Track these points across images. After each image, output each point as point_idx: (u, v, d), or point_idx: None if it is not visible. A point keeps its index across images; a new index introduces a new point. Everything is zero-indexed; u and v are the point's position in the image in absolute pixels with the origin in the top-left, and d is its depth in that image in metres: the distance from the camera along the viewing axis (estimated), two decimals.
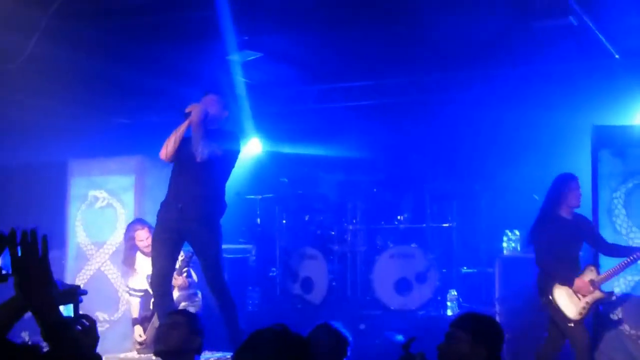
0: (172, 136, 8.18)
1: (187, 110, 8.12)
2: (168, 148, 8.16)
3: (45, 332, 2.85)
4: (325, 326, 6.27)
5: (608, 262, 8.29)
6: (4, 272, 3.00)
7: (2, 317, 3.24)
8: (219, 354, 8.23)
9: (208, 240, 8.16)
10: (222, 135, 8.22)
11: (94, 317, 3.44)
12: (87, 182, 11.04)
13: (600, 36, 9.91)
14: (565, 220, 8.26)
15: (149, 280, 8.72)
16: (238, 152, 8.40)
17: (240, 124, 12.00)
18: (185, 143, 8.14)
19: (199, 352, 5.58)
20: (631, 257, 7.99)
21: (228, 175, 8.37)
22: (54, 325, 2.86)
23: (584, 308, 7.93)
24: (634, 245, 8.65)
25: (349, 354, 6.18)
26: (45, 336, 2.84)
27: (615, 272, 8.12)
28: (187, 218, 8.08)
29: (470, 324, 4.79)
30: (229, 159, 8.26)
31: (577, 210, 8.31)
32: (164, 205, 8.28)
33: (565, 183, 8.23)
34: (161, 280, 8.20)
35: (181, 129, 8.16)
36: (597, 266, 8.25)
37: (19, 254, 2.90)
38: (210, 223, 8.19)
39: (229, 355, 8.02)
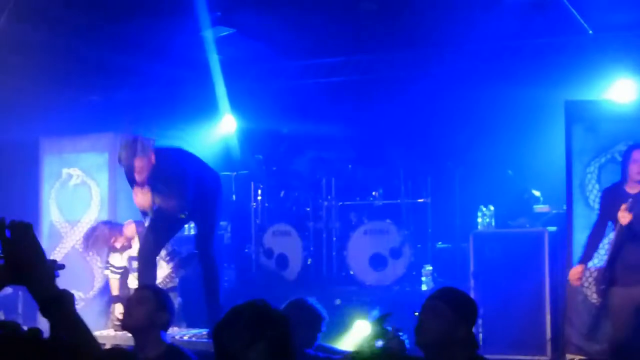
0: None
1: None
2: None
3: (44, 308, 2.85)
4: (299, 302, 6.28)
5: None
6: None
7: None
8: (194, 331, 8.23)
9: (206, 210, 8.23)
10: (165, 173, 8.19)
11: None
12: (60, 160, 11.00)
13: (574, 11, 9.93)
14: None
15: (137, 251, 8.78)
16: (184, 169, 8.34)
17: (215, 101, 11.99)
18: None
19: (166, 328, 5.55)
20: None
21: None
22: (53, 300, 2.86)
23: None
24: None
25: (323, 329, 6.20)
26: (44, 312, 2.84)
27: None
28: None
29: (452, 298, 4.80)
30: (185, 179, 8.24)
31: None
32: None
33: (627, 155, 7.87)
34: (153, 252, 8.30)
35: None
36: None
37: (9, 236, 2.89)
38: (205, 195, 8.25)
39: (204, 331, 8.02)
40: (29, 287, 2.89)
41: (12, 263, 2.89)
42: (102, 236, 9.45)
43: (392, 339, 4.82)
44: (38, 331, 2.76)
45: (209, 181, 8.44)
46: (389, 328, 4.87)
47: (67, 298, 2.89)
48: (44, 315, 2.84)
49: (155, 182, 7.98)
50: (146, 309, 5.46)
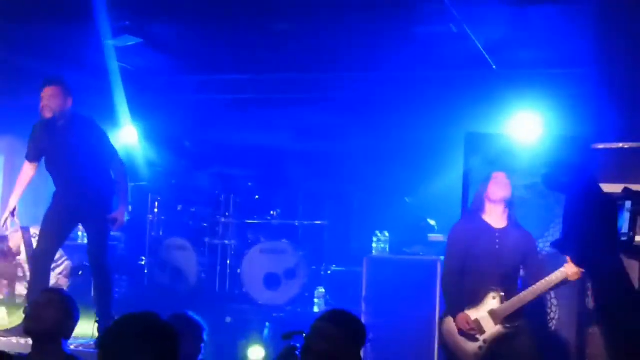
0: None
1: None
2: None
3: None
4: (179, 314, 6.28)
5: None
6: None
7: None
8: (82, 340, 8.11)
9: (95, 218, 8.17)
10: (78, 124, 8.24)
11: None
12: None
13: (480, 46, 10.10)
14: None
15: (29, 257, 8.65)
16: (104, 132, 8.44)
17: (114, 110, 11.86)
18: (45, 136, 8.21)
19: (68, 338, 5.40)
20: None
21: (105, 156, 8.35)
22: None
23: None
24: None
25: (205, 338, 6.17)
26: None
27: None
28: (77, 200, 8.19)
29: (342, 320, 4.82)
30: (95, 144, 8.28)
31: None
32: (59, 189, 8.41)
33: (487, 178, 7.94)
34: (46, 258, 8.20)
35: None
36: None
37: None
38: (99, 203, 8.23)
39: (92, 341, 7.90)
40: None
41: None
42: None
43: (290, 356, 4.82)
44: None
45: (108, 185, 8.43)
46: (295, 345, 4.88)
47: None
48: None
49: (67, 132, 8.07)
50: (54, 313, 5.24)
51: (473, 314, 7.35)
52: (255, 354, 9.09)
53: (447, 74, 11.20)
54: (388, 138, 11.52)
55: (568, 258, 7.16)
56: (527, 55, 10.41)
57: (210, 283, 11.61)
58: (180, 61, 11.66)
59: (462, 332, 7.35)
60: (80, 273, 9.16)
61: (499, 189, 7.71)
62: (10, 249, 9.21)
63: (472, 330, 7.28)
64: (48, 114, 8.13)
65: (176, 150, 12.61)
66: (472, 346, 7.31)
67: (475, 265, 7.42)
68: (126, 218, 8.36)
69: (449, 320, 7.48)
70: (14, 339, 8.00)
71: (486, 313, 7.30)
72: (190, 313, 6.33)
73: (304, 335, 4.83)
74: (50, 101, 8.14)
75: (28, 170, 8.59)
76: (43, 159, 8.49)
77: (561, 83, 10.70)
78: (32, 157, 8.56)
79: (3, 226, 8.54)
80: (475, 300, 7.35)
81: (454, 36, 9.70)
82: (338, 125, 11.99)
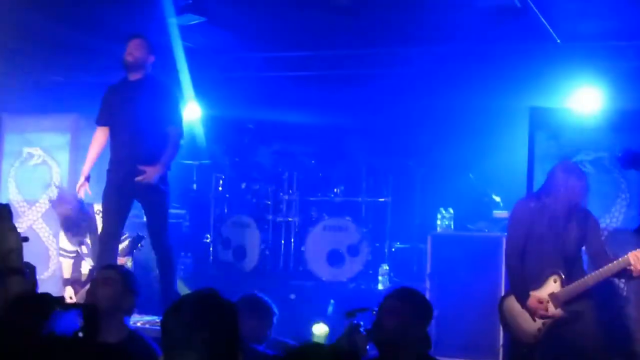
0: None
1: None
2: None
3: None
4: (251, 296, 6.30)
5: None
6: None
7: None
8: (148, 317, 8.19)
9: (157, 197, 8.21)
10: (151, 85, 8.30)
11: None
12: (21, 139, 10.90)
13: (543, 19, 9.98)
14: None
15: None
16: (175, 99, 8.49)
17: (179, 86, 11.92)
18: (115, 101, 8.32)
19: (130, 313, 5.43)
20: None
21: (167, 122, 8.41)
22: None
23: None
24: None
25: (274, 322, 6.20)
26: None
27: None
28: (130, 168, 8.22)
29: (410, 297, 4.84)
30: (161, 108, 8.34)
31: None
32: (113, 163, 8.43)
33: None
34: (113, 238, 8.35)
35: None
36: None
37: None
38: (160, 179, 8.26)
39: (157, 319, 7.98)
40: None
41: None
42: (68, 204, 9.36)
43: (354, 333, 4.85)
44: None
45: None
46: (359, 322, 4.91)
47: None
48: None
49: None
50: (112, 290, 5.27)
51: (538, 295, 7.25)
52: (319, 330, 9.15)
53: (510, 47, 11.09)
54: (451, 113, 11.44)
55: None
56: (591, 27, 10.25)
57: (274, 260, 11.65)
58: (243, 39, 11.67)
59: (529, 313, 7.24)
60: (140, 245, 9.19)
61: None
62: (95, 216, 9.30)
63: (545, 311, 7.16)
64: (130, 59, 8.34)
65: (239, 127, 12.64)
66: (532, 327, 7.22)
67: (537, 246, 7.30)
68: (153, 179, 8.24)
69: (511, 300, 7.40)
70: None
71: (546, 295, 7.21)
72: (262, 296, 6.36)
73: (374, 312, 4.87)
74: (134, 49, 8.38)
75: (99, 137, 8.66)
76: None
77: (625, 56, 10.56)
78: (102, 121, 8.66)
79: (78, 194, 8.65)
80: (537, 282, 7.26)
81: (518, 10, 9.59)
82: (401, 101, 11.93)
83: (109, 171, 8.48)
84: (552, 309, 7.12)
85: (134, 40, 8.44)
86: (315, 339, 8.99)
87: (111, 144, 8.56)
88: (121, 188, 8.27)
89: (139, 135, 8.23)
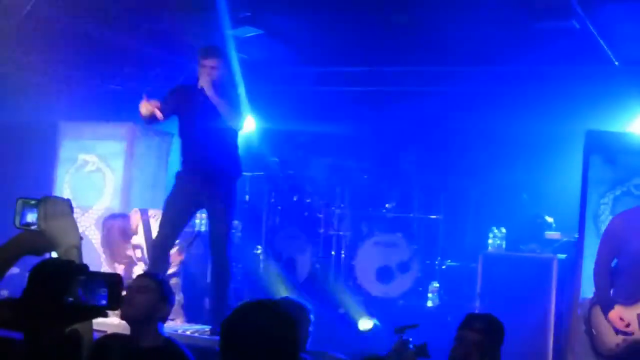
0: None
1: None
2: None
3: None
4: (286, 300, 6.32)
5: None
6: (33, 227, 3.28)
7: None
8: (197, 327, 8.23)
9: (224, 206, 8.15)
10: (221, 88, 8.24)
11: None
12: (77, 145, 11.00)
13: (602, 41, 9.92)
14: None
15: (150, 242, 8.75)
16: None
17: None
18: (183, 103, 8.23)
19: (164, 321, 5.49)
20: None
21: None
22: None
23: None
24: None
25: (312, 319, 6.19)
26: None
27: None
28: (205, 184, 8.14)
29: (484, 326, 4.89)
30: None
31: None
32: (186, 171, 8.34)
33: None
34: (167, 245, 8.29)
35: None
36: None
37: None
38: (224, 183, 8.21)
39: (207, 328, 8.01)
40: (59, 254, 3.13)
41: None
42: (116, 229, 9.39)
43: (403, 349, 4.87)
44: None
45: (236, 165, 8.45)
46: (408, 338, 4.93)
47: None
48: None
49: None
50: (146, 298, 5.34)
51: (624, 311, 7.19)
52: (364, 325, 9.23)
53: (568, 69, 11.03)
54: (506, 133, 11.40)
55: None
56: None
57: (324, 274, 11.67)
58: (298, 53, 11.72)
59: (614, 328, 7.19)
60: (194, 239, 9.23)
61: None
62: (130, 228, 9.33)
63: (626, 327, 7.10)
64: (204, 84, 8.02)
65: (293, 140, 12.69)
66: (611, 340, 7.17)
67: (633, 262, 7.24)
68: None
69: (597, 310, 7.35)
70: (115, 320, 7.98)
71: (635, 315, 7.12)
72: (293, 297, 6.37)
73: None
74: (211, 72, 8.07)
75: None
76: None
77: None
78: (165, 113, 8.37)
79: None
80: (630, 299, 7.18)
81: (575, 32, 9.54)
82: (455, 120, 11.91)
83: (179, 174, 8.38)
84: (635, 329, 7.06)
85: (210, 60, 8.19)
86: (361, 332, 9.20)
87: (183, 149, 8.41)
88: (189, 196, 8.19)
89: (213, 144, 8.13)
